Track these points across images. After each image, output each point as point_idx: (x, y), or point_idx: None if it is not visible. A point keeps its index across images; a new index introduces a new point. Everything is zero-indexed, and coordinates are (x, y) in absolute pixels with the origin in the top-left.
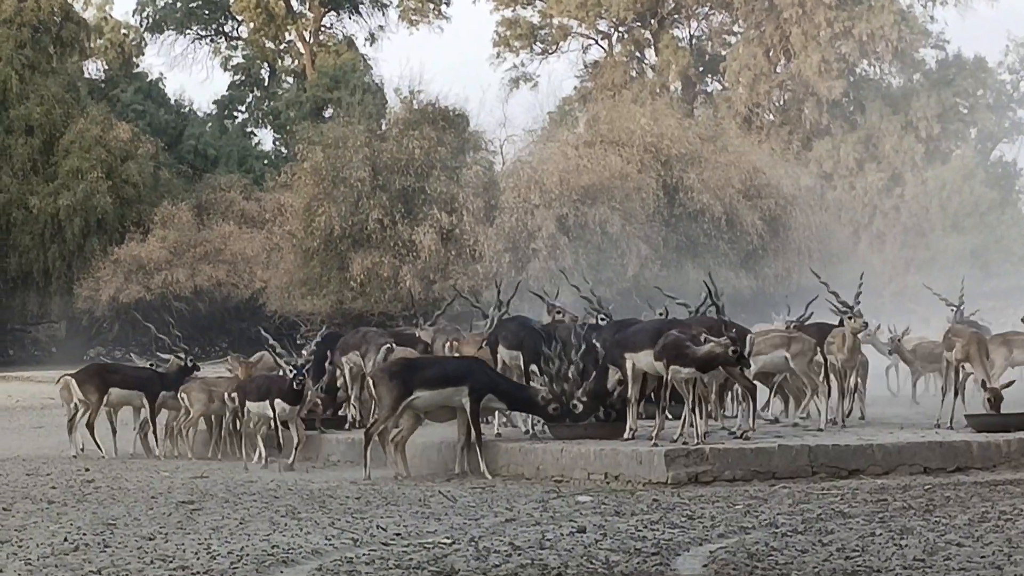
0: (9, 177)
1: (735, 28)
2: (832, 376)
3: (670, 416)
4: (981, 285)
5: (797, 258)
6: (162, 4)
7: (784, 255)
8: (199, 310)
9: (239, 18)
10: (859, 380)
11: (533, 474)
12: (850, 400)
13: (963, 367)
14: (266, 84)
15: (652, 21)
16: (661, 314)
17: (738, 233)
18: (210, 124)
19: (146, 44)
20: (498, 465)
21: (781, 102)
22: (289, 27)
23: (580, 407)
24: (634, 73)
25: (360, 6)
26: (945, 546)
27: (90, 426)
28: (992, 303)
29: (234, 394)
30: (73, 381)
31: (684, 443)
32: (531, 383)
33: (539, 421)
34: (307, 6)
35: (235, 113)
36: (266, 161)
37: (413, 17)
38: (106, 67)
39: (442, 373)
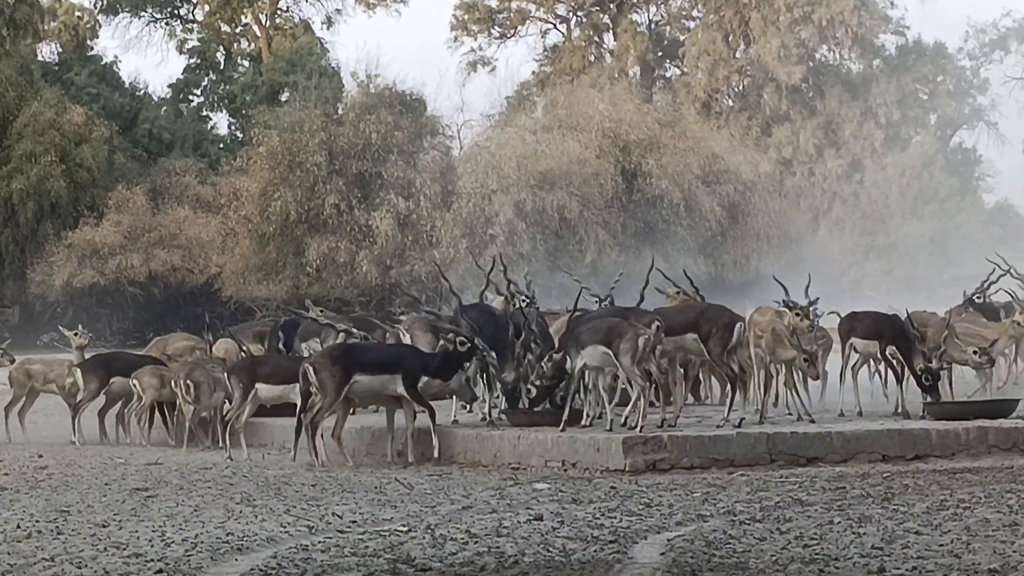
0: None
1: (694, 13)
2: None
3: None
4: (941, 272)
5: (756, 244)
6: None
7: (743, 241)
8: (154, 295)
9: (194, 1)
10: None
11: (490, 461)
12: None
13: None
14: (222, 68)
15: (611, 5)
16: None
17: (697, 219)
18: (165, 108)
19: (100, 27)
20: (455, 452)
21: (740, 88)
22: (245, 10)
23: (533, 392)
24: (592, 58)
25: None
26: (903, 534)
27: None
28: (951, 290)
29: (209, 377)
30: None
31: (630, 427)
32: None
33: (496, 407)
34: None
35: (190, 97)
36: (222, 145)
37: (370, 1)
38: (60, 50)
39: (379, 358)
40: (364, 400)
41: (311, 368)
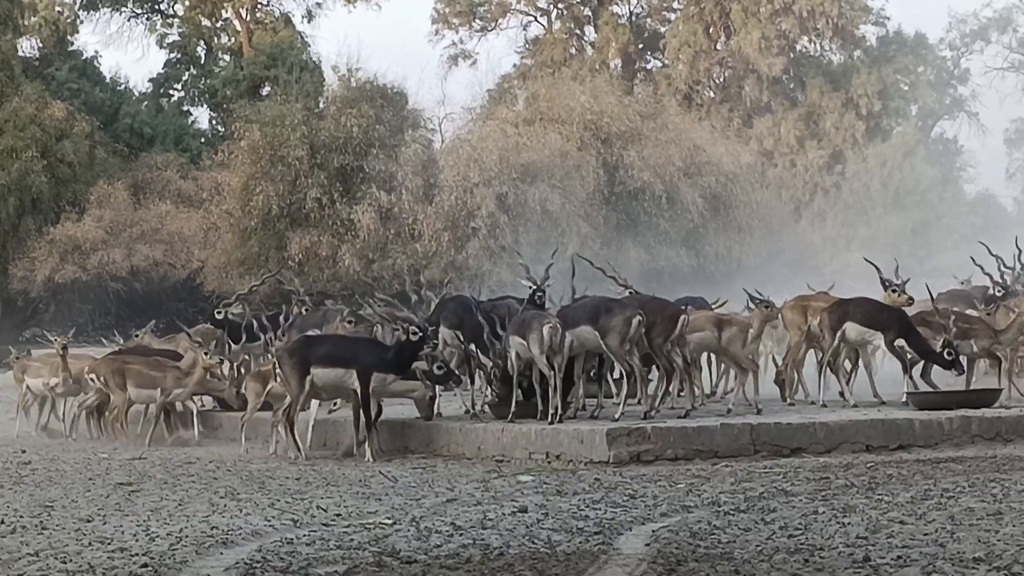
0: None
1: (675, 5)
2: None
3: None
4: (923, 263)
5: (738, 236)
6: None
7: (725, 233)
8: (136, 290)
9: None
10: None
11: (474, 454)
12: None
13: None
14: (202, 62)
15: None
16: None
17: (679, 211)
18: (146, 102)
19: (81, 22)
20: (438, 445)
21: (721, 79)
22: (225, 4)
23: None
24: (574, 50)
25: None
26: (888, 524)
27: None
28: (933, 281)
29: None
30: None
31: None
32: (474, 363)
33: (480, 401)
34: None
35: (171, 91)
36: (203, 140)
37: None
38: (40, 45)
39: (334, 351)
40: (327, 393)
41: (275, 360)
